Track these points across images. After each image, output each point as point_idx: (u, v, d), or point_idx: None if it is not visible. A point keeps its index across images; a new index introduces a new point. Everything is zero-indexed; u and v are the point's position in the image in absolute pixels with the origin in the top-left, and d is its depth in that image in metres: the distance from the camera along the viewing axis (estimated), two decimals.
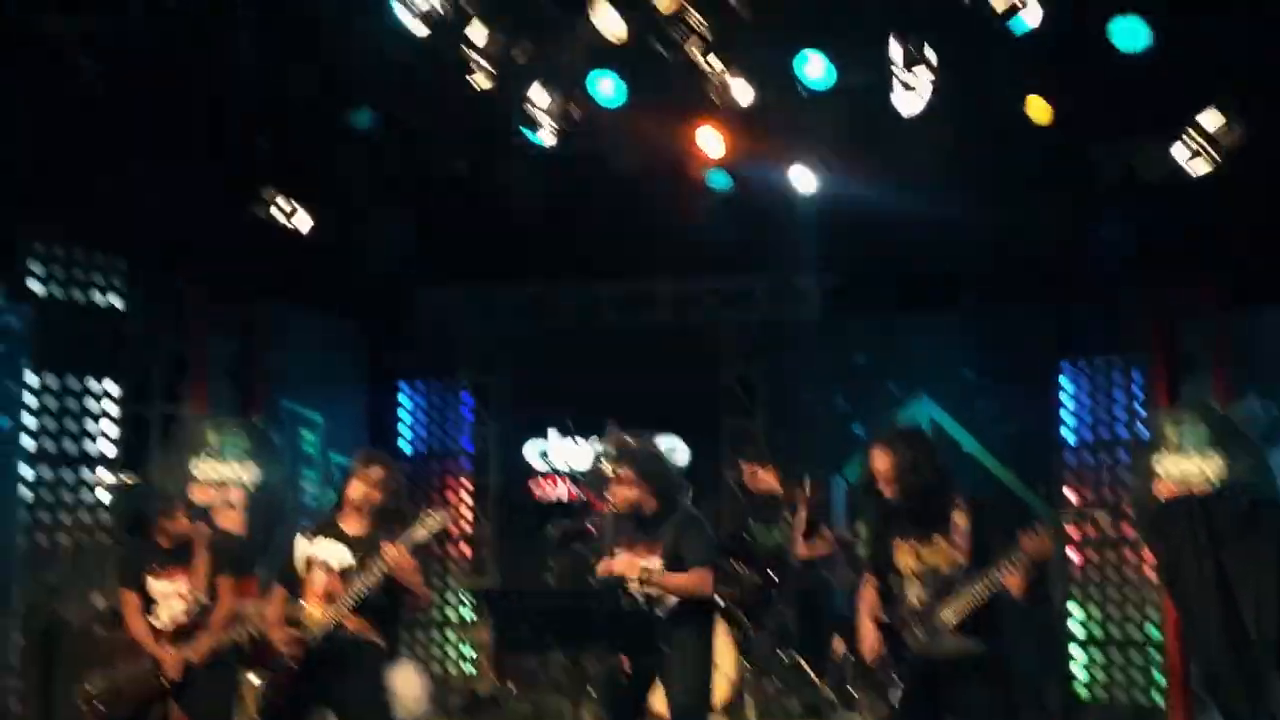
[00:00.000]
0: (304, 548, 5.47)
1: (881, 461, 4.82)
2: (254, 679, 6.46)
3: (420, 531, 5.23)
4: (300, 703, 5.34)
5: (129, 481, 6.70)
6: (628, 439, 6.48)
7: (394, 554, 5.18)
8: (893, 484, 4.81)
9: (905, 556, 4.91)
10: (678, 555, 5.44)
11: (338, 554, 5.41)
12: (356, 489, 5.44)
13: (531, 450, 10.85)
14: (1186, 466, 7.27)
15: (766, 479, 8.51)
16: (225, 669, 6.27)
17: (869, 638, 4.96)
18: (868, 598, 5.12)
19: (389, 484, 5.47)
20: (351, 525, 5.46)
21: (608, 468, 5.94)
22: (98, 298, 7.64)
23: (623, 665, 5.47)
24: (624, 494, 5.53)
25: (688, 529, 5.50)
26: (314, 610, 5.31)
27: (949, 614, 4.72)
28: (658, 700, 7.09)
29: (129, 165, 7.24)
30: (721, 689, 7.48)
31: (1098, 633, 8.16)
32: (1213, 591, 6.05)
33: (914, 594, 4.86)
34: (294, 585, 5.44)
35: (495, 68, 7.21)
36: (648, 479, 5.51)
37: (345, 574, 5.35)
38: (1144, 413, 7.93)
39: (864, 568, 5.29)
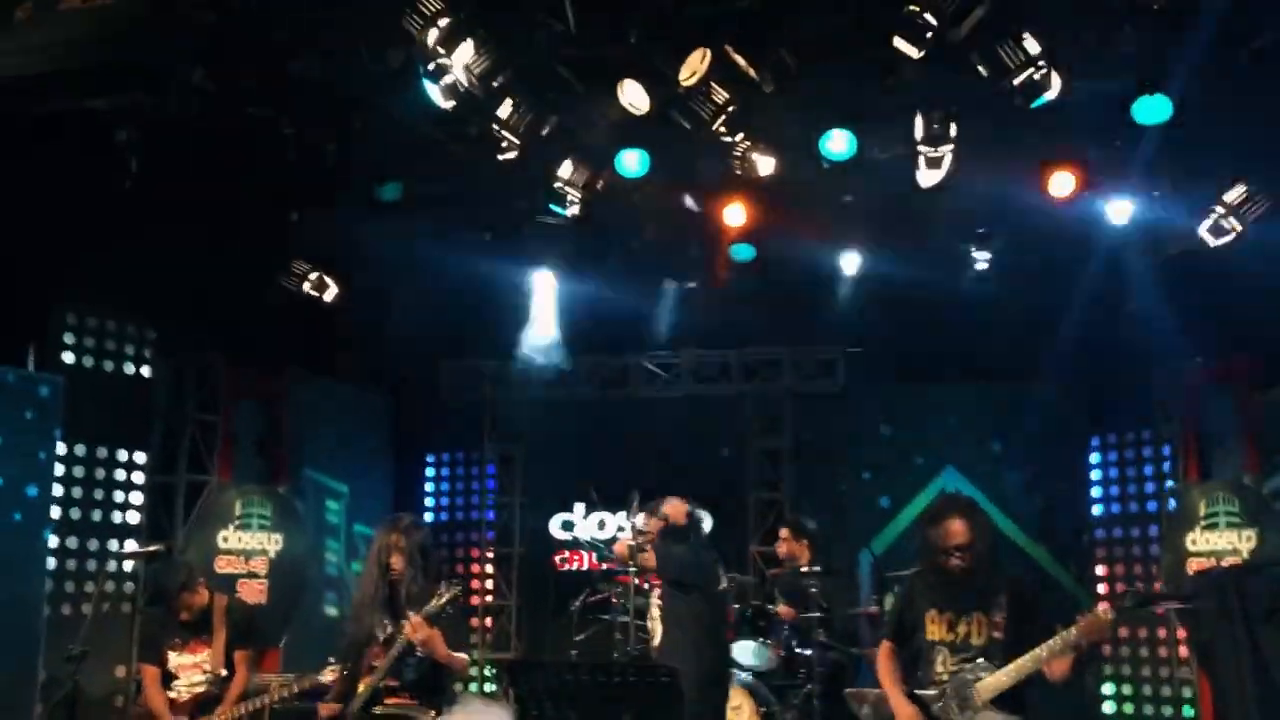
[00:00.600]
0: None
1: (960, 530, 4.76)
2: None
3: (434, 603, 5.22)
4: None
5: (153, 551, 6.71)
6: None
7: (412, 627, 5.19)
8: (967, 553, 4.75)
9: (936, 626, 4.85)
10: None
11: (380, 624, 5.41)
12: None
13: (555, 522, 10.81)
14: (1218, 541, 7.17)
15: (795, 548, 8.41)
16: None
17: (906, 712, 4.85)
18: (888, 666, 5.05)
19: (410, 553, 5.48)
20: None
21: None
22: (128, 368, 7.72)
23: None
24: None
25: None
26: (363, 688, 5.32)
27: (986, 689, 4.65)
28: None
29: (160, 237, 7.35)
30: None
31: (1130, 710, 7.99)
32: (1247, 667, 5.93)
33: (941, 663, 4.80)
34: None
35: (522, 141, 7.31)
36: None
37: (387, 643, 5.36)
38: (1174, 486, 7.83)
39: (886, 634, 5.21)
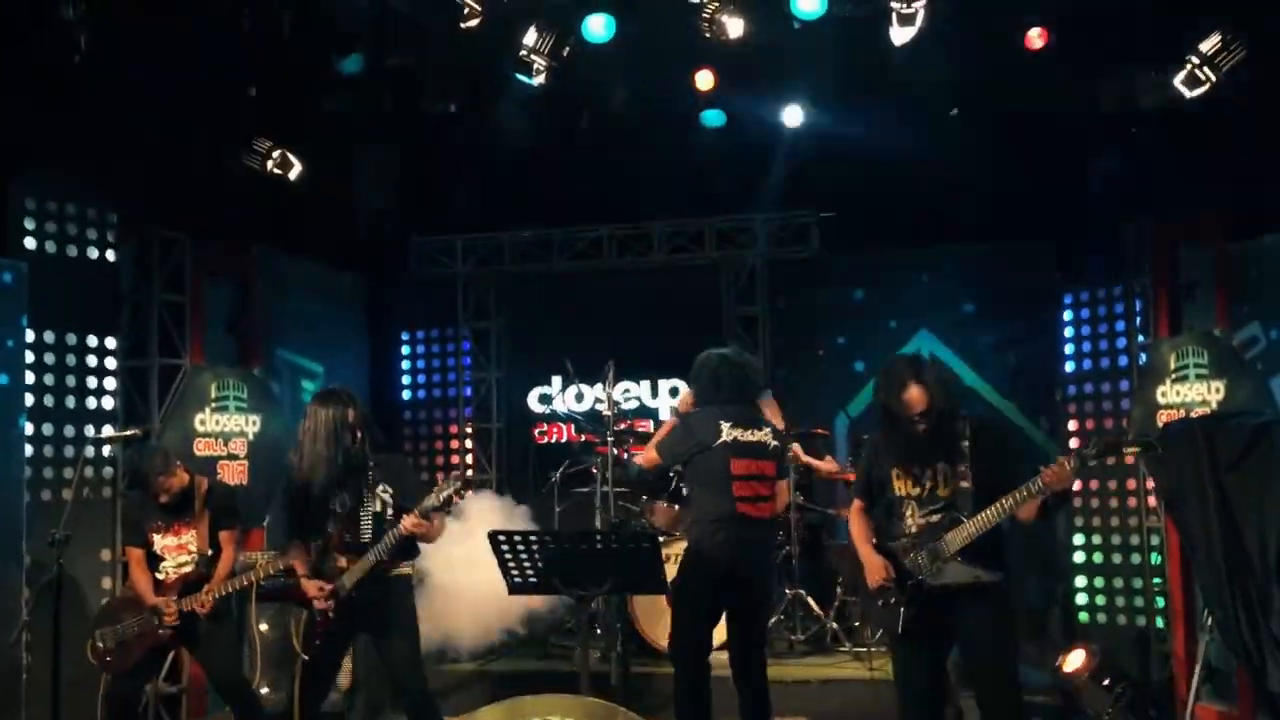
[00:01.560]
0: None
1: (919, 398, 4.78)
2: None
3: (433, 499, 5.32)
4: (341, 637, 5.60)
5: (130, 435, 6.70)
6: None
7: (410, 523, 5.34)
8: (928, 416, 4.79)
9: (901, 482, 4.93)
10: None
11: (337, 499, 5.51)
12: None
13: (533, 396, 10.86)
14: (1187, 393, 7.27)
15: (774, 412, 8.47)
16: (232, 619, 6.38)
17: (874, 564, 4.97)
18: (859, 525, 5.15)
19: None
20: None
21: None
22: (91, 252, 7.59)
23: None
24: None
25: None
26: (342, 562, 5.46)
27: (954, 540, 4.74)
28: (659, 632, 7.18)
29: (115, 117, 7.17)
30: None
31: (1099, 559, 8.20)
32: (1214, 515, 6.07)
33: (910, 518, 4.89)
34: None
35: (484, 7, 7.12)
36: None
37: (349, 518, 5.49)
38: (1145, 341, 7.91)
39: (854, 493, 5.30)
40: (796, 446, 8.10)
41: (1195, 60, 7.12)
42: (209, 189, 8.14)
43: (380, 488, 5.49)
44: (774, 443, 5.90)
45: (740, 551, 5.67)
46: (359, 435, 5.47)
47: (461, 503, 5.61)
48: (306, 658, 5.47)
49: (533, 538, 5.50)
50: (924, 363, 4.96)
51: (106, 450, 7.51)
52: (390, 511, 5.47)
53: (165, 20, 7.03)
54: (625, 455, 8.75)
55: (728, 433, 5.74)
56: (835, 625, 8.21)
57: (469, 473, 5.56)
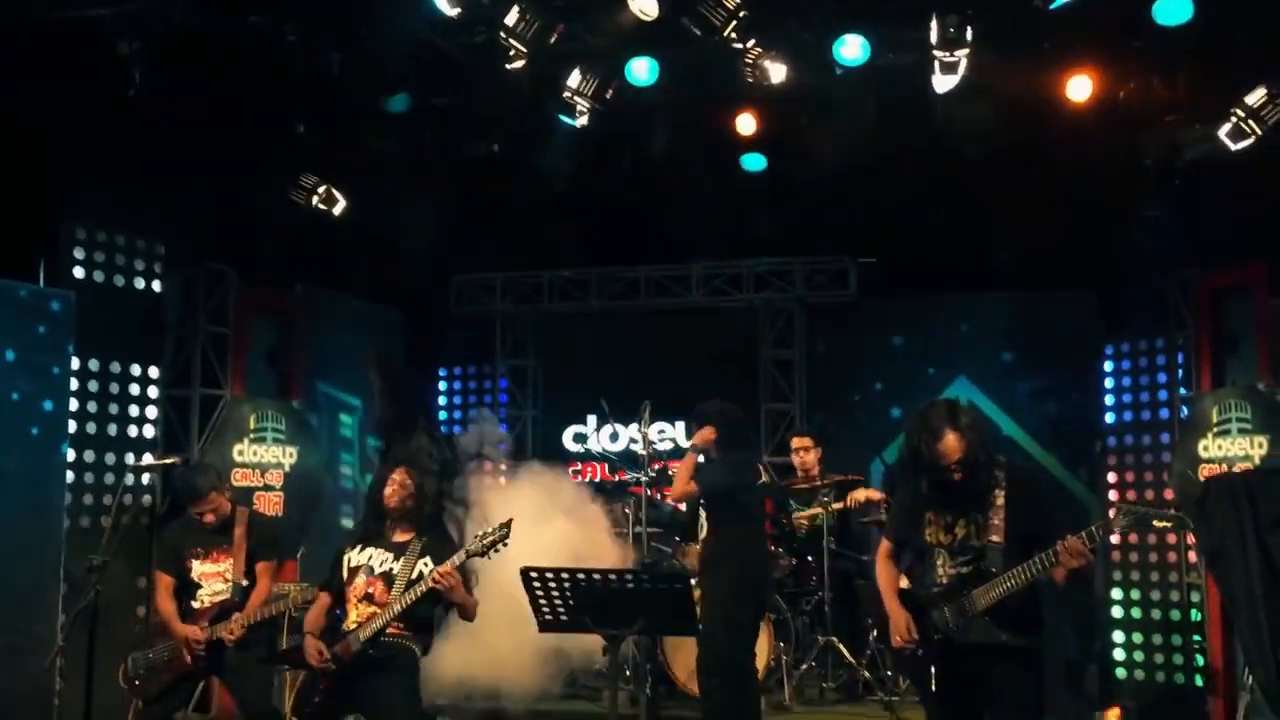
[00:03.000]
0: (347, 554, 5.59)
1: (955, 447, 4.64)
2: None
3: (466, 554, 5.28)
4: (334, 703, 5.40)
5: (170, 463, 6.77)
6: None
7: (441, 575, 5.25)
8: (963, 466, 4.69)
9: (934, 529, 4.82)
10: None
11: (379, 556, 5.51)
12: (390, 497, 5.54)
13: (568, 435, 10.86)
14: (1230, 448, 7.17)
15: (808, 457, 8.46)
16: (264, 651, 6.37)
17: (899, 621, 4.84)
18: (886, 571, 5.01)
19: (418, 488, 5.56)
20: (393, 531, 5.57)
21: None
22: (138, 283, 7.71)
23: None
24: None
25: None
26: (355, 615, 5.41)
27: (980, 599, 4.63)
28: (680, 669, 7.15)
29: (165, 150, 7.30)
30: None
31: (1138, 615, 8.07)
32: (1257, 574, 5.96)
33: (942, 567, 4.77)
34: (339, 591, 5.56)
35: (529, 49, 7.20)
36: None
37: (387, 576, 5.45)
38: (1187, 394, 7.82)
39: (885, 534, 5.20)
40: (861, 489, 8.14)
41: (1240, 113, 7.08)
42: (255, 224, 8.27)
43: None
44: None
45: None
46: (399, 498, 5.52)
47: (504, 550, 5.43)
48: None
49: (564, 575, 5.47)
50: (960, 409, 4.83)
51: (146, 478, 7.59)
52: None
53: (217, 57, 7.17)
54: (659, 495, 8.73)
55: (765, 476, 5.83)
56: (867, 674, 8.10)
57: (510, 520, 5.46)
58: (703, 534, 6.41)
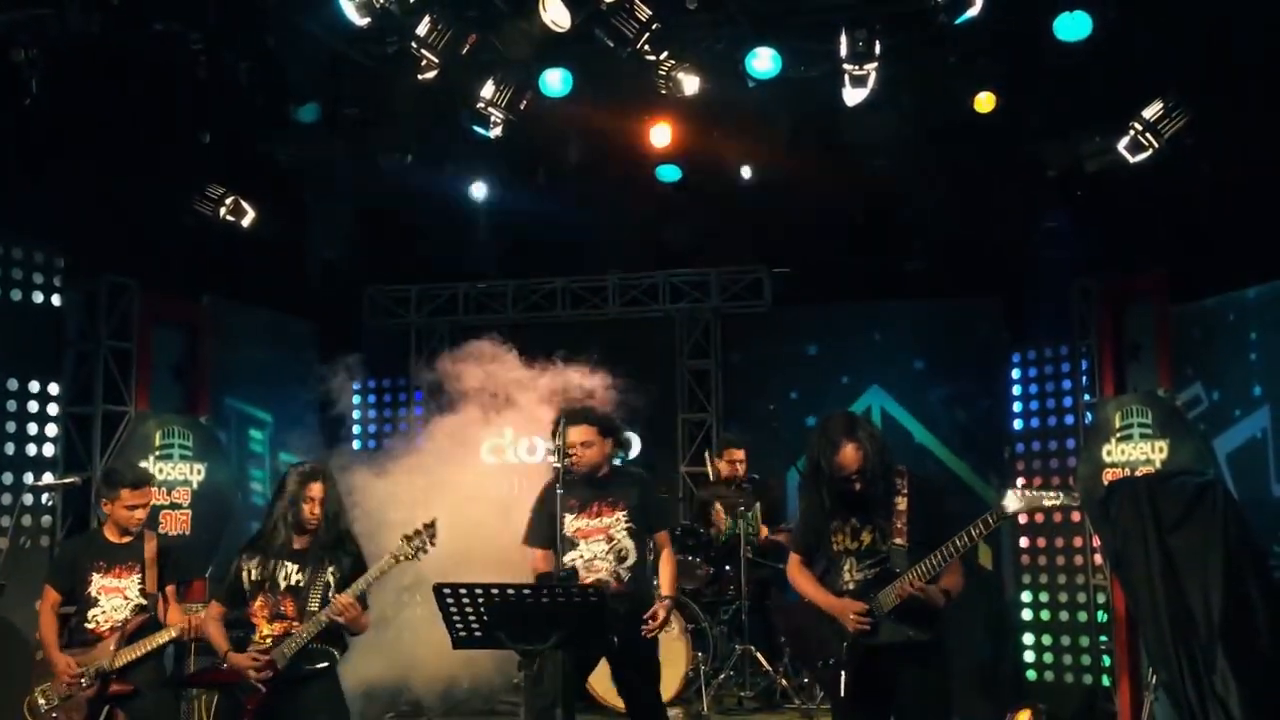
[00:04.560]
0: (245, 567, 5.43)
1: (853, 458, 4.78)
2: None
3: (370, 577, 5.24)
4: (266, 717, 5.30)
5: (70, 483, 6.56)
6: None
7: (342, 605, 5.21)
8: (862, 476, 4.78)
9: (840, 536, 4.91)
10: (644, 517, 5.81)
11: (283, 569, 5.38)
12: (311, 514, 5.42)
13: (485, 447, 10.76)
14: (1132, 452, 7.35)
15: (741, 467, 8.64)
16: (167, 679, 6.13)
17: (842, 605, 4.84)
18: (805, 576, 5.05)
19: (327, 502, 5.45)
20: (297, 541, 5.42)
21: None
22: (36, 297, 7.49)
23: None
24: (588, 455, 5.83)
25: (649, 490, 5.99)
26: (268, 630, 5.29)
27: (886, 600, 4.73)
28: (598, 684, 7.10)
29: (65, 161, 7.11)
30: (674, 681, 7.49)
31: (1046, 616, 8.24)
32: (1159, 575, 6.12)
33: (849, 572, 4.86)
34: (240, 604, 5.42)
35: (442, 60, 7.15)
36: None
37: (295, 591, 5.33)
38: (1091, 400, 8.01)
39: (792, 547, 5.24)
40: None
41: (1138, 126, 7.29)
42: (160, 235, 8.09)
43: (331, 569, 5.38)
44: None
45: None
46: (319, 516, 5.40)
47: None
48: None
49: (479, 590, 5.41)
50: (858, 421, 4.95)
51: (45, 498, 7.36)
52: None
53: (120, 65, 7.01)
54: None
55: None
56: (785, 682, 8.16)
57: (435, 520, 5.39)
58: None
